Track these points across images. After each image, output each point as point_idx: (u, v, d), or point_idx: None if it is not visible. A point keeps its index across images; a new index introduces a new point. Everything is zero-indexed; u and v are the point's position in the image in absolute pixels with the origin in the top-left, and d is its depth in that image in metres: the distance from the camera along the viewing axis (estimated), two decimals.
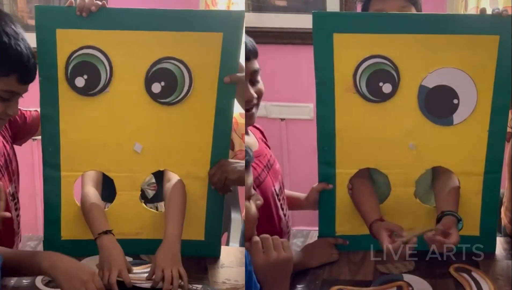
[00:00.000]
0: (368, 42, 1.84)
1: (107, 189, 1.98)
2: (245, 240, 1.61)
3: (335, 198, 1.97)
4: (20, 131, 2.00)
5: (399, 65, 1.84)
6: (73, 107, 1.83)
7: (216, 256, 1.99)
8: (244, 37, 1.80)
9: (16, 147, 2.02)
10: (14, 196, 1.95)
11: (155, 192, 2.12)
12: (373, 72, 1.85)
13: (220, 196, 1.95)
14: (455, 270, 1.83)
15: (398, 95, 1.87)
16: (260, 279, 1.56)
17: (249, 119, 1.89)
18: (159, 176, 2.04)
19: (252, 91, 1.85)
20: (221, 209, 1.98)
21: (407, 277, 1.80)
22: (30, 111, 2.01)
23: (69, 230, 1.93)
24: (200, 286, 1.79)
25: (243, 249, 1.97)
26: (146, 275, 1.74)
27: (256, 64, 1.85)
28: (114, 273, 1.68)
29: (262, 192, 1.81)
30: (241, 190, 2.54)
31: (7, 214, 1.60)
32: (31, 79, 1.72)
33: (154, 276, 1.70)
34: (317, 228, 2.03)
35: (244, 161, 1.68)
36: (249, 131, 2.03)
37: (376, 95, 1.87)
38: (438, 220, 1.84)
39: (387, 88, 1.86)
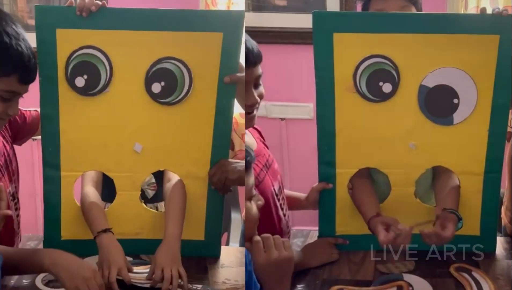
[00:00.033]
0: (368, 41, 1.83)
1: (107, 189, 1.98)
2: (245, 240, 1.61)
3: (335, 198, 1.97)
4: (20, 131, 2.00)
5: (399, 64, 1.84)
6: (73, 107, 1.83)
7: (216, 256, 1.99)
8: (244, 37, 1.80)
9: (16, 147, 2.02)
10: (14, 196, 1.95)
11: (155, 192, 2.12)
12: (373, 72, 1.85)
13: (220, 196, 1.95)
14: (455, 269, 1.83)
15: (398, 94, 1.86)
16: (261, 279, 1.56)
17: (250, 121, 1.89)
18: (159, 176, 2.04)
19: (255, 95, 1.85)
20: (221, 209, 1.98)
21: (407, 277, 1.80)
22: (29, 111, 2.01)
23: (69, 230, 1.93)
24: (200, 286, 1.79)
25: (243, 249, 1.97)
26: (146, 275, 1.74)
27: (260, 69, 1.85)
28: (113, 271, 1.68)
29: (261, 192, 1.81)
30: (241, 190, 2.54)
31: (9, 212, 1.60)
32: (32, 79, 1.72)
33: (153, 276, 1.71)
34: (317, 228, 2.03)
35: (244, 161, 1.68)
36: (247, 131, 2.03)
37: (376, 95, 1.87)
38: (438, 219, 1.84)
39: (387, 87, 1.86)
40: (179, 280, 1.72)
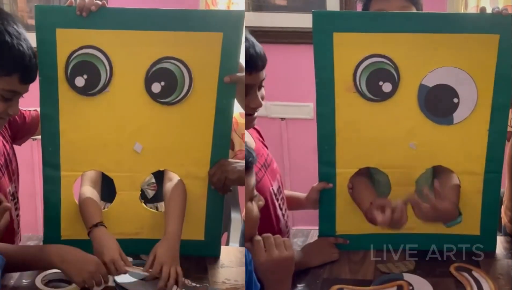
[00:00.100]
0: (368, 41, 1.83)
1: (107, 189, 1.98)
2: (246, 240, 1.61)
3: (335, 198, 1.97)
4: (19, 131, 2.01)
5: (399, 64, 1.84)
6: (73, 107, 1.83)
7: (216, 256, 1.99)
8: (244, 37, 1.80)
9: (16, 147, 2.02)
10: (14, 196, 1.95)
11: (155, 192, 2.12)
12: (373, 71, 1.85)
13: (220, 196, 1.95)
14: (455, 269, 1.83)
15: (398, 94, 1.86)
16: (261, 278, 1.56)
17: (251, 122, 1.89)
18: (159, 176, 2.04)
19: (259, 98, 1.85)
20: (221, 209, 1.98)
21: (408, 277, 1.80)
22: (29, 111, 2.01)
23: (69, 230, 1.93)
24: (199, 285, 1.79)
25: (243, 249, 1.97)
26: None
27: (264, 72, 1.85)
28: (108, 264, 1.70)
29: (259, 192, 1.80)
30: (241, 190, 2.54)
31: (8, 205, 1.61)
32: (33, 79, 1.72)
33: (151, 269, 1.72)
34: (317, 227, 2.03)
35: (244, 161, 1.68)
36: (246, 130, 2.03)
37: (376, 94, 1.87)
38: None
39: (387, 87, 1.86)
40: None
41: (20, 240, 2.01)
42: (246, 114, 1.87)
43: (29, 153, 3.35)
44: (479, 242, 1.94)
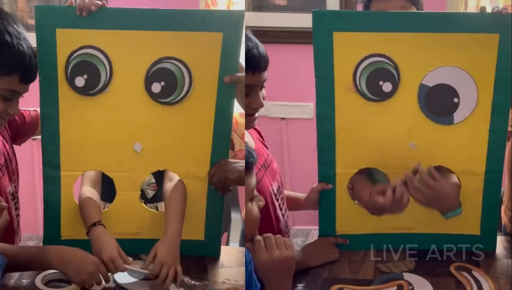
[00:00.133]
0: (368, 40, 1.83)
1: (107, 189, 1.98)
2: (246, 241, 1.61)
3: (335, 198, 1.96)
4: (19, 131, 2.01)
5: (399, 63, 1.84)
6: (73, 107, 1.83)
7: (216, 256, 1.99)
8: (244, 37, 1.80)
9: (15, 147, 2.02)
10: (14, 196, 1.95)
11: (155, 192, 2.12)
12: (373, 71, 1.85)
13: (220, 196, 1.95)
14: (455, 269, 1.83)
15: (398, 94, 1.86)
16: (262, 278, 1.56)
17: (251, 122, 1.89)
18: (159, 176, 2.04)
19: (261, 99, 1.85)
20: (221, 209, 1.98)
21: (408, 276, 1.80)
22: (29, 110, 2.01)
23: (69, 230, 1.93)
24: (198, 283, 1.79)
25: (243, 249, 1.97)
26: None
27: (266, 73, 1.85)
28: (107, 262, 1.71)
29: (259, 192, 1.80)
30: (241, 190, 2.54)
31: (4, 204, 1.61)
32: (33, 79, 1.73)
33: (150, 267, 1.73)
34: (317, 227, 2.03)
35: (243, 161, 1.68)
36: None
37: (376, 94, 1.87)
38: None
39: (387, 87, 1.86)
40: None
41: (20, 240, 2.01)
42: (247, 114, 1.86)
43: (29, 153, 3.35)
44: (479, 242, 1.93)
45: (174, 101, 1.84)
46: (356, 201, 2.03)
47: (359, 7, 2.20)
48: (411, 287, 1.74)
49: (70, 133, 1.85)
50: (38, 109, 1.90)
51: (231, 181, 1.88)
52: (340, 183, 1.95)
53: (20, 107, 1.78)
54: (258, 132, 2.10)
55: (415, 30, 1.82)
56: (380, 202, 1.82)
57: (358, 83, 1.86)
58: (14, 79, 1.66)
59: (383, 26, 1.82)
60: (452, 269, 1.83)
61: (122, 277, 1.79)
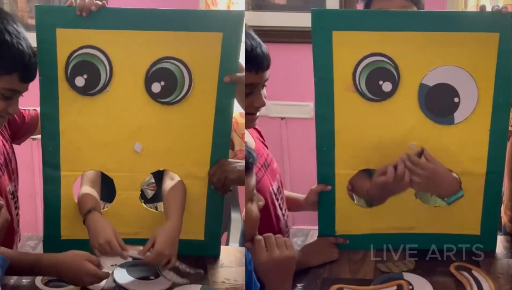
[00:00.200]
0: (368, 40, 1.83)
1: (107, 189, 1.98)
2: (246, 241, 1.61)
3: (334, 199, 1.96)
4: (19, 130, 2.01)
5: (399, 63, 1.83)
6: (73, 106, 1.83)
7: (215, 256, 1.99)
8: (243, 37, 1.80)
9: (15, 146, 2.02)
10: (14, 195, 1.95)
11: (155, 192, 2.12)
12: (373, 71, 1.84)
13: (220, 196, 1.95)
14: (455, 268, 1.82)
15: (398, 93, 1.86)
16: (262, 278, 1.56)
17: (252, 122, 1.89)
18: (159, 176, 2.04)
19: (263, 98, 1.85)
20: (221, 209, 1.98)
21: (408, 276, 1.80)
22: (28, 110, 2.01)
23: (69, 229, 1.93)
24: (193, 271, 1.81)
25: (242, 249, 1.97)
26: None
27: (268, 73, 1.85)
28: (104, 245, 1.73)
29: (259, 191, 1.80)
30: (241, 190, 2.54)
31: (1, 203, 1.62)
32: (32, 78, 1.73)
33: (147, 254, 1.75)
34: (317, 227, 2.02)
35: (243, 161, 1.68)
36: (246, 130, 2.03)
37: (376, 94, 1.86)
38: None
39: (387, 86, 1.85)
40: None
41: (20, 240, 2.01)
42: (248, 113, 1.86)
43: (29, 153, 3.35)
44: (479, 242, 1.93)
45: (174, 101, 1.84)
46: (355, 201, 2.04)
47: (360, 6, 2.19)
48: (411, 287, 1.74)
49: (70, 133, 1.85)
50: (38, 109, 1.90)
51: (231, 181, 1.88)
52: (340, 184, 1.94)
53: (20, 107, 1.79)
54: (258, 132, 2.10)
55: (415, 29, 1.81)
56: (382, 180, 1.82)
57: (357, 82, 1.85)
58: (14, 78, 1.67)
59: (382, 25, 1.82)
60: (452, 268, 1.82)
61: (122, 277, 1.79)
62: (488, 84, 1.83)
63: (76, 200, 1.91)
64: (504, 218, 2.13)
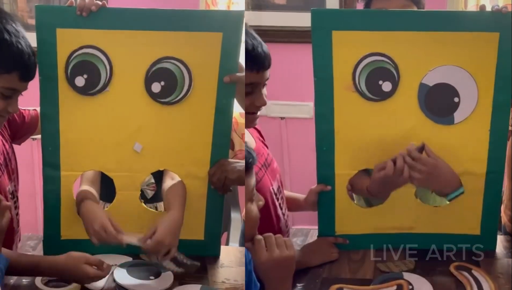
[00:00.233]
0: (368, 39, 1.83)
1: (107, 189, 1.98)
2: (246, 241, 1.61)
3: (334, 198, 1.95)
4: (19, 130, 2.01)
5: (399, 63, 1.83)
6: (73, 106, 1.83)
7: (215, 256, 1.99)
8: (243, 37, 1.80)
9: (15, 146, 2.02)
10: (14, 195, 1.95)
11: (155, 192, 2.12)
12: (373, 70, 1.84)
13: (220, 196, 1.95)
14: (455, 268, 1.82)
15: (398, 93, 1.86)
16: (262, 277, 1.56)
17: (253, 121, 1.89)
18: (159, 176, 2.04)
19: (264, 97, 1.85)
20: (221, 209, 1.98)
21: (407, 276, 1.80)
22: (28, 110, 2.01)
23: (69, 229, 1.93)
24: (190, 263, 1.82)
25: (242, 249, 1.97)
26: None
27: (269, 72, 1.85)
28: (99, 230, 1.74)
29: (260, 191, 1.81)
30: (241, 190, 2.54)
31: (8, 203, 1.62)
32: (32, 77, 1.73)
33: (148, 242, 1.76)
34: (317, 227, 2.02)
35: (243, 161, 1.68)
36: (246, 130, 2.03)
37: (375, 94, 1.86)
38: None
39: (386, 86, 1.85)
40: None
41: (20, 239, 2.01)
42: (249, 113, 1.86)
43: (29, 153, 3.35)
44: (479, 242, 1.93)
45: (174, 101, 1.84)
46: (355, 201, 2.04)
47: (360, 6, 2.19)
48: (410, 287, 1.74)
49: (70, 133, 1.85)
50: (38, 109, 1.90)
51: (231, 181, 1.88)
52: (340, 184, 1.94)
53: (20, 107, 1.79)
54: (259, 132, 2.10)
55: (415, 29, 1.81)
56: (382, 175, 1.82)
57: (357, 82, 1.85)
58: (13, 77, 1.67)
59: (382, 25, 1.82)
60: (452, 268, 1.82)
61: (122, 277, 1.79)
62: (488, 84, 1.83)
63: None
64: (504, 218, 2.13)
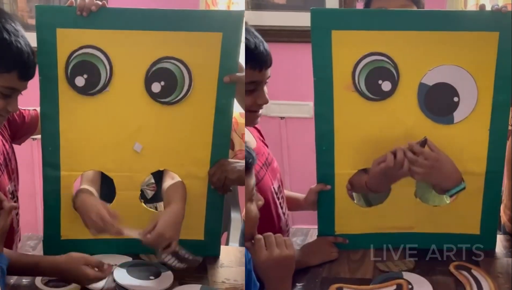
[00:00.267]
0: (367, 39, 1.82)
1: (107, 189, 1.98)
2: (246, 240, 1.61)
3: (334, 198, 1.96)
4: (19, 130, 2.01)
5: (399, 62, 1.83)
6: (73, 106, 1.83)
7: (215, 256, 1.99)
8: (243, 37, 1.80)
9: (15, 146, 2.02)
10: (14, 194, 1.95)
11: (155, 192, 2.12)
12: (372, 70, 1.84)
13: (220, 196, 1.95)
14: (455, 268, 1.82)
15: (397, 93, 1.86)
16: (262, 277, 1.56)
17: (254, 120, 1.89)
18: (159, 176, 2.04)
19: (266, 95, 1.85)
20: (221, 209, 1.98)
21: (407, 275, 1.80)
22: (28, 110, 2.01)
23: (69, 229, 1.93)
24: (191, 257, 1.82)
25: (242, 248, 1.97)
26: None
27: (269, 70, 1.85)
28: (96, 220, 1.75)
29: (261, 191, 1.81)
30: (241, 190, 2.54)
31: (14, 204, 1.62)
32: (31, 76, 1.73)
33: (149, 236, 1.76)
34: (316, 227, 2.02)
35: (243, 161, 1.68)
36: (246, 129, 2.03)
37: (375, 93, 1.86)
38: None
39: (386, 86, 1.85)
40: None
41: (20, 239, 2.01)
42: (251, 111, 1.86)
43: (29, 153, 3.35)
44: (479, 241, 1.93)
45: (174, 101, 1.84)
46: (355, 200, 2.04)
47: (359, 5, 2.19)
48: (410, 286, 1.74)
49: (70, 133, 1.85)
50: (38, 109, 1.90)
51: (231, 181, 1.88)
52: (339, 183, 1.94)
53: (20, 107, 1.79)
54: (259, 131, 2.10)
55: (415, 29, 1.81)
56: (382, 166, 1.82)
57: (357, 82, 1.85)
58: (13, 76, 1.67)
59: (382, 24, 1.82)
60: (451, 268, 1.83)
61: (122, 277, 1.79)
62: (487, 83, 1.83)
63: None
64: (503, 218, 2.13)
